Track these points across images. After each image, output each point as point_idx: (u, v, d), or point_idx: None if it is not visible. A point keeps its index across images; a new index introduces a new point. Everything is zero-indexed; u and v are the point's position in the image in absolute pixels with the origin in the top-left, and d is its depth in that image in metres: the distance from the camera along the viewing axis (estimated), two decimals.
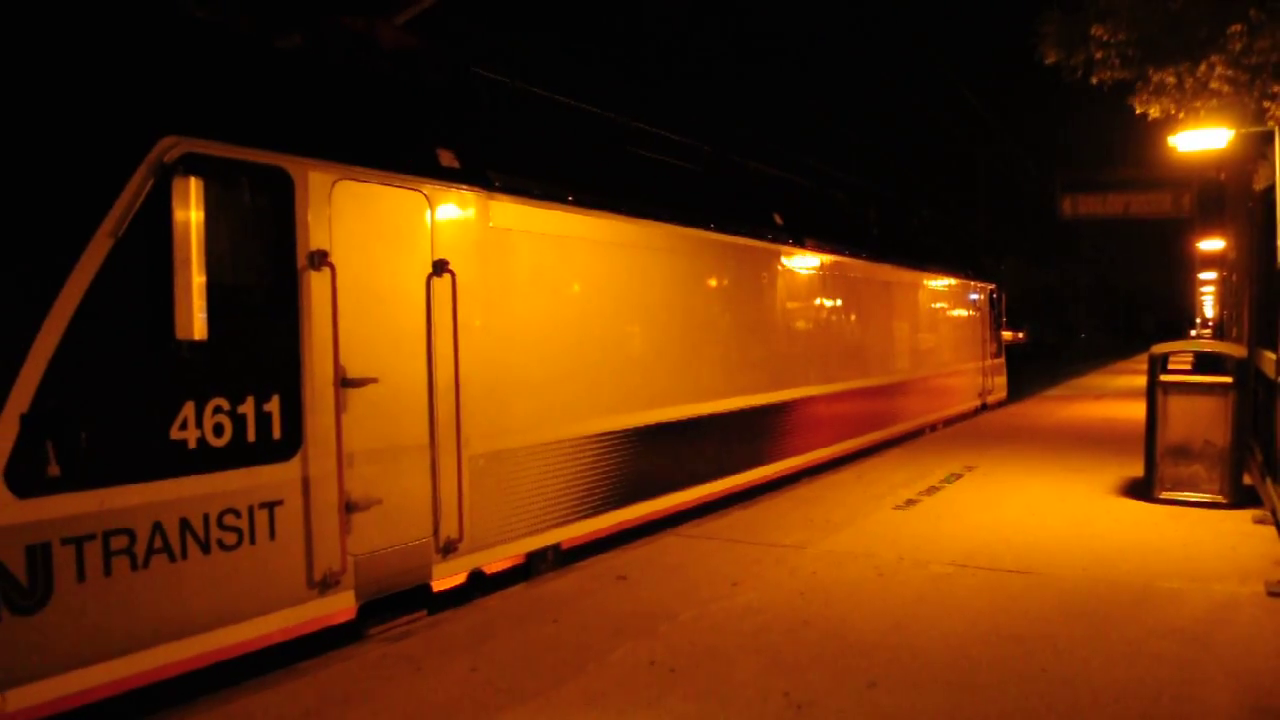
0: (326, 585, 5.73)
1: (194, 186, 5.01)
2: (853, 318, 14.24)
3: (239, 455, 5.29)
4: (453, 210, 6.77)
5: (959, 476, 11.23)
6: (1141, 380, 10.40)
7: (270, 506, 5.46)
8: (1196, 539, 7.97)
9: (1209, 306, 53.95)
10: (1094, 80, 10.82)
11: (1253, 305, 15.43)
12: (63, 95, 4.93)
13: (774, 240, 11.71)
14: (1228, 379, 9.37)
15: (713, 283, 10.41)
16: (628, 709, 4.64)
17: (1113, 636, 5.58)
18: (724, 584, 6.79)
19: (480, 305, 6.93)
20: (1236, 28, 9.40)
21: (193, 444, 5.08)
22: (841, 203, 15.92)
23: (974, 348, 20.91)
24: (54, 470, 4.49)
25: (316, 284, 5.74)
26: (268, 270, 5.57)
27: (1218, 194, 22.40)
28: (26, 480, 4.39)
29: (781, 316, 11.93)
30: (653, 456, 9.02)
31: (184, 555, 5.01)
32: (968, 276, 20.60)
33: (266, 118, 5.80)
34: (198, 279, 4.98)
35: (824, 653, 5.36)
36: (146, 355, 4.92)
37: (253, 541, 5.37)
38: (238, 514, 5.29)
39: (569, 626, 5.95)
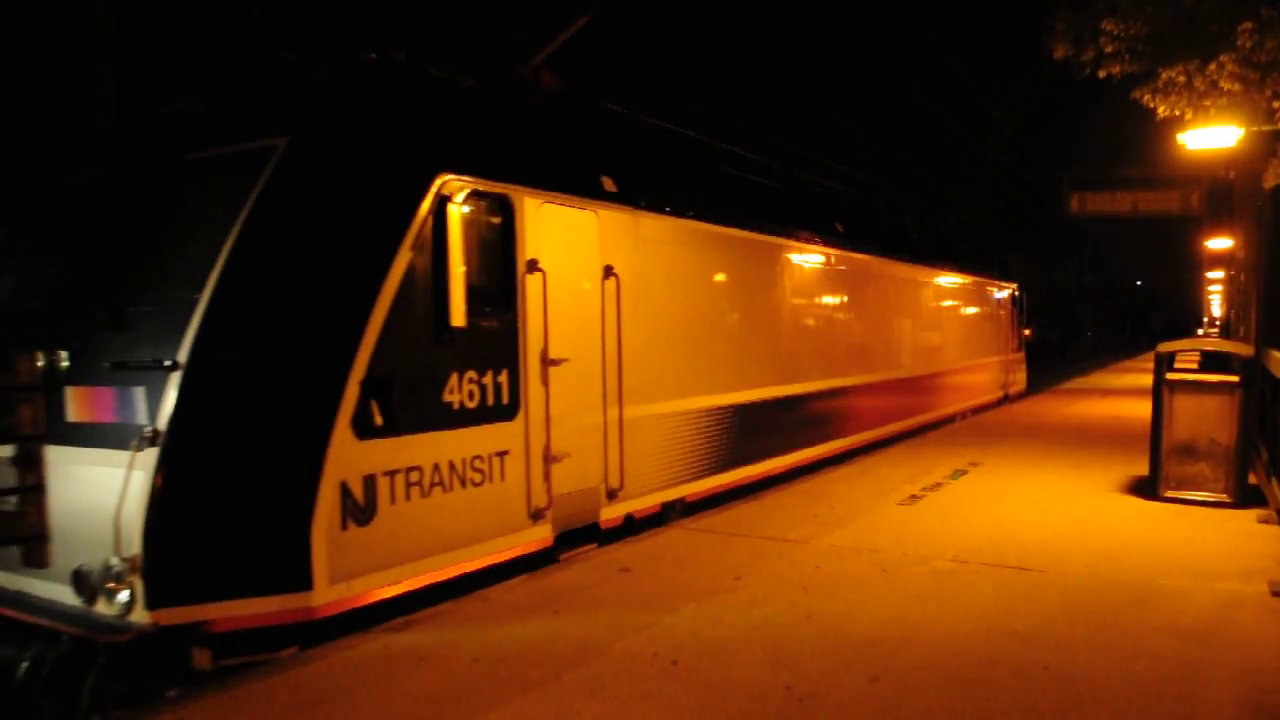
0: (537, 517, 7.36)
1: (458, 211, 6.62)
2: (903, 314, 16.18)
3: (482, 415, 6.91)
4: (614, 225, 8.44)
5: (963, 473, 11.22)
6: (1147, 379, 10.39)
7: (502, 455, 7.07)
8: (1200, 538, 7.96)
9: (1216, 306, 53.86)
10: (1102, 74, 10.81)
11: (1261, 304, 15.38)
12: (380, 149, 6.64)
13: (843, 247, 13.46)
14: (1234, 378, 9.35)
15: (799, 282, 12.17)
16: (629, 700, 4.65)
17: (1115, 634, 5.57)
18: (727, 577, 6.80)
19: (632, 301, 8.56)
20: (1247, 25, 9.37)
21: (456, 405, 6.69)
22: (883, 210, 17.29)
23: (999, 343, 22.55)
24: (379, 421, 6.07)
25: (531, 285, 7.34)
26: (499, 274, 7.15)
27: (1226, 192, 22.35)
28: (362, 428, 5.96)
29: (852, 311, 13.88)
30: (749, 429, 10.59)
31: (450, 489, 6.59)
32: (995, 277, 22.42)
33: (494, 156, 7.31)
34: (461, 280, 6.56)
35: (826, 647, 5.37)
36: (430, 339, 6.50)
37: (491, 481, 6.97)
38: (481, 459, 6.88)
39: (572, 618, 5.96)
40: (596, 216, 8.21)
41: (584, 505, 7.96)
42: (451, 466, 6.63)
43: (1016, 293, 23.99)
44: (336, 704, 4.67)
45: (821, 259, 12.78)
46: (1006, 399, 22.49)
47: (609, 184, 8.51)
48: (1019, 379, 24.28)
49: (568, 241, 7.83)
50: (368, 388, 6.00)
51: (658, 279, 9.06)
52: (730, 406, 10.22)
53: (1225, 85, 10.39)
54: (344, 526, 5.83)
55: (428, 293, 6.47)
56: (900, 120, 36.35)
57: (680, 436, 9.36)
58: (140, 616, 5.31)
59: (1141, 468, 10.03)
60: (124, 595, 5.37)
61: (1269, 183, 14.76)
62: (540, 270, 7.39)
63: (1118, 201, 22.38)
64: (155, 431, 5.49)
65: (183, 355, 5.61)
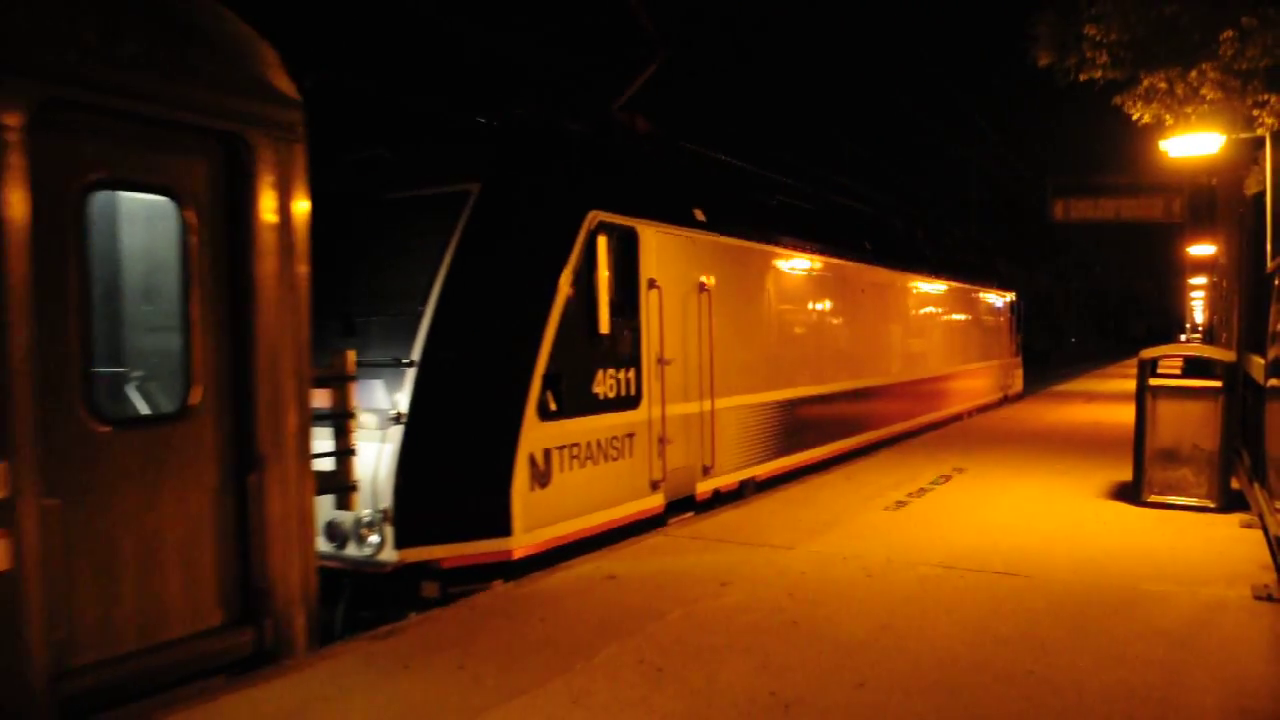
0: (654, 487, 9.20)
1: (602, 240, 8.45)
2: (924, 321, 18.50)
3: (617, 404, 8.69)
4: (703, 248, 10.27)
5: (948, 479, 11.25)
6: (1130, 384, 10.44)
7: (630, 437, 8.86)
8: (1184, 543, 7.99)
9: (1199, 312, 54.23)
10: (1083, 78, 10.85)
11: (1242, 310, 15.48)
12: (547, 193, 8.45)
13: (873, 262, 15.56)
14: (1217, 383, 9.40)
15: (842, 294, 14.24)
16: (615, 707, 4.64)
17: (1099, 639, 5.59)
18: (713, 584, 6.80)
19: (717, 310, 10.34)
20: (1228, 34, 9.42)
21: (600, 395, 8.46)
22: (898, 228, 19.67)
23: (1001, 348, 24.71)
24: (553, 407, 7.85)
25: (649, 299, 9.15)
26: (628, 291, 8.89)
27: (1209, 199, 22.47)
28: (543, 412, 7.74)
29: (880, 319, 15.94)
30: (801, 421, 12.45)
31: (597, 462, 8.39)
32: (996, 287, 24.49)
33: (624, 195, 9.08)
34: (605, 297, 8.41)
35: (812, 653, 5.37)
36: (585, 343, 8.26)
37: (623, 457, 8.76)
38: (616, 439, 8.66)
39: (557, 625, 5.95)
40: (693, 241, 10.07)
41: (686, 480, 9.83)
42: (598, 444, 8.44)
43: (1015, 301, 25.98)
44: (317, 712, 4.65)
45: (857, 274, 14.78)
46: (1006, 400, 24.22)
47: (699, 214, 10.37)
48: (1017, 381, 26.20)
49: (672, 263, 9.64)
50: (546, 381, 7.80)
51: (733, 292, 10.86)
52: (787, 401, 12.10)
53: (1206, 93, 10.44)
54: (531, 488, 7.63)
55: (581, 306, 8.23)
56: (883, 125, 36.53)
57: (752, 425, 11.24)
58: (389, 555, 7.00)
59: (1125, 473, 10.07)
60: (374, 539, 7.00)
61: (1250, 190, 14.86)
62: (656, 287, 9.27)
63: (1100, 208, 22.50)
64: (399, 414, 7.15)
65: (415, 355, 7.34)
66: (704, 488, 10.09)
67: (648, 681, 4.96)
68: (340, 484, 6.39)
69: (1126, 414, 10.51)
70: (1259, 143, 12.35)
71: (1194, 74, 10.25)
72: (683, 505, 9.67)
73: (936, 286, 19.04)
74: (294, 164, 5.79)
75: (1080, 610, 6.15)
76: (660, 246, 9.39)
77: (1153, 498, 9.45)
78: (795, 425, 12.20)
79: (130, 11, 5.02)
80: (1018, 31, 11.56)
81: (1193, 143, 12.35)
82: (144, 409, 6.03)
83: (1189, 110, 11.16)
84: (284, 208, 5.74)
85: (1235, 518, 8.86)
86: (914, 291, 17.69)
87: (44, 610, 4.51)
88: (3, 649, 4.37)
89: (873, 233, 16.82)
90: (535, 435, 7.66)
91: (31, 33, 4.55)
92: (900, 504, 9.74)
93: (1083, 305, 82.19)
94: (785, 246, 12.31)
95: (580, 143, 9.62)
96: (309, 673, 5.21)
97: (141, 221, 5.92)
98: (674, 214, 9.82)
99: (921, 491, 10.41)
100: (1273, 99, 10.29)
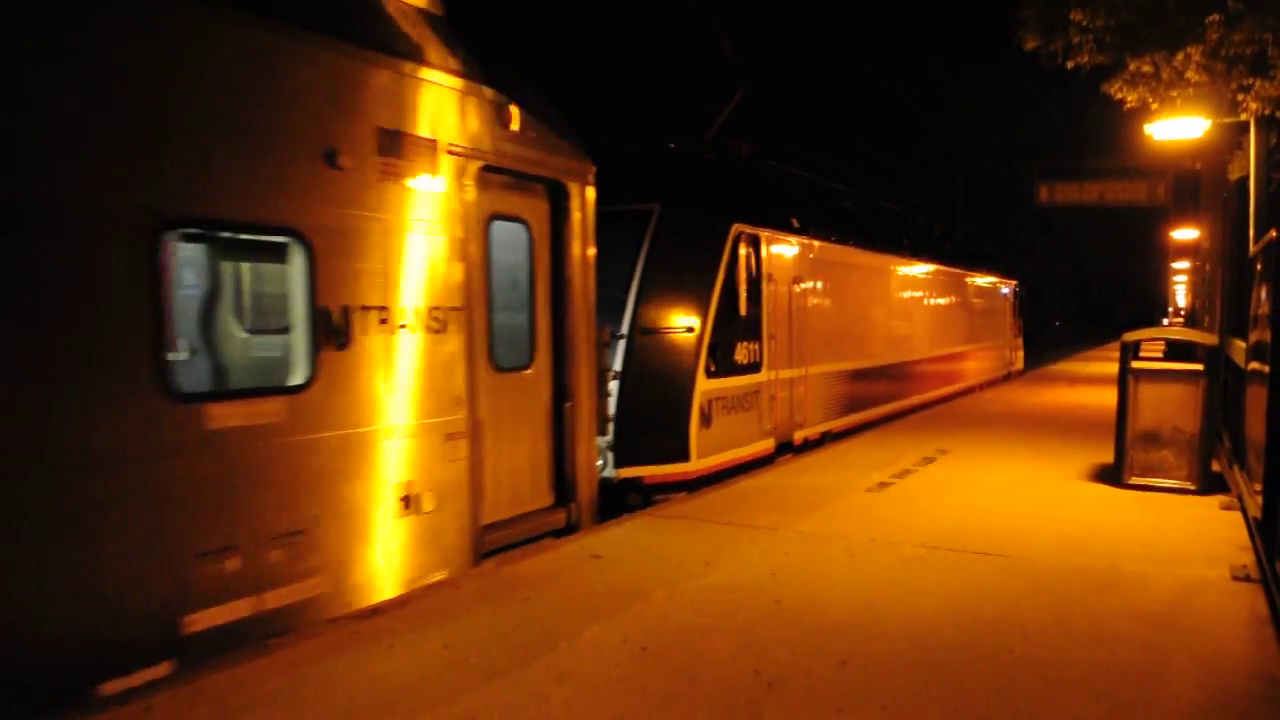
0: (767, 435, 12.15)
1: (743, 247, 11.48)
2: (954, 306, 22.44)
3: (746, 369, 11.59)
4: (798, 249, 13.32)
5: (931, 460, 11.31)
6: (1113, 368, 10.50)
7: (755, 393, 11.82)
8: (1164, 524, 8.06)
9: (1182, 296, 54.47)
10: (1070, 65, 10.86)
11: (1225, 294, 15.56)
12: (706, 209, 11.51)
13: (909, 255, 19.07)
14: (1199, 366, 9.45)
15: (891, 282, 17.84)
16: (599, 686, 4.65)
17: (1080, 619, 5.64)
18: (697, 563, 6.82)
19: (806, 297, 13.51)
20: (1214, 18, 9.43)
21: (738, 361, 11.36)
22: (923, 224, 23.68)
23: (1007, 329, 28.61)
24: (713, 368, 10.74)
25: (767, 289, 12.14)
26: (755, 283, 11.84)
27: (1193, 183, 22.56)
28: (707, 372, 10.65)
29: (920, 303, 19.77)
30: (862, 386, 15.73)
31: (735, 412, 11.30)
32: (1004, 275, 28.41)
33: (752, 209, 12.22)
34: (744, 288, 11.38)
35: (795, 632, 5.40)
36: (731, 322, 11.17)
37: (749, 410, 11.69)
38: (747, 395, 11.60)
39: (541, 605, 5.96)
40: (790, 243, 13.03)
41: (787, 429, 12.76)
42: (737, 398, 11.35)
43: (1019, 287, 29.94)
44: (301, 692, 4.66)
45: (898, 266, 18.15)
46: (1010, 375, 27.59)
47: (795, 222, 13.43)
48: (1019, 359, 29.91)
49: (778, 260, 12.59)
50: (709, 350, 10.78)
51: (816, 283, 13.97)
52: (851, 370, 15.24)
53: (1192, 76, 10.46)
54: (701, 428, 10.60)
55: (728, 295, 11.14)
56: (869, 107, 36.50)
57: (829, 389, 14.30)
58: (610, 473, 9.76)
59: (1107, 455, 10.13)
60: (600, 461, 9.16)
61: (1234, 174, 14.93)
62: (771, 280, 12.30)
63: (1085, 192, 22.56)
64: (616, 372, 9.94)
65: (624, 330, 10.25)
66: (799, 436, 13.11)
67: (632, 661, 4.98)
68: (603, 417, 8.87)
69: (1109, 397, 10.58)
70: (1243, 127, 12.38)
71: (1180, 58, 10.26)
72: (782, 450, 12.52)
73: (957, 276, 22.68)
74: (587, 198, 8.55)
75: (1061, 590, 6.20)
76: (772, 248, 12.36)
77: (1134, 480, 9.51)
78: (856, 390, 15.40)
79: (506, 108, 7.54)
80: (1005, 15, 11.56)
81: (1178, 127, 12.38)
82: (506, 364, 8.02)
83: (1174, 94, 11.18)
84: (584, 227, 8.51)
85: (1215, 500, 8.93)
86: (940, 280, 21.23)
87: (479, 487, 7.19)
88: (466, 510, 7.07)
89: (907, 230, 20.62)
90: (703, 389, 10.66)
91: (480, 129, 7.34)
92: (884, 485, 9.78)
93: (1067, 289, 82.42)
94: (848, 244, 15.49)
95: (722, 168, 13.26)
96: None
97: (504, 241, 7.95)
98: (780, 222, 12.86)
99: (905, 473, 10.46)
100: (1257, 83, 10.31)
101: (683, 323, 10.65)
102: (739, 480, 10.38)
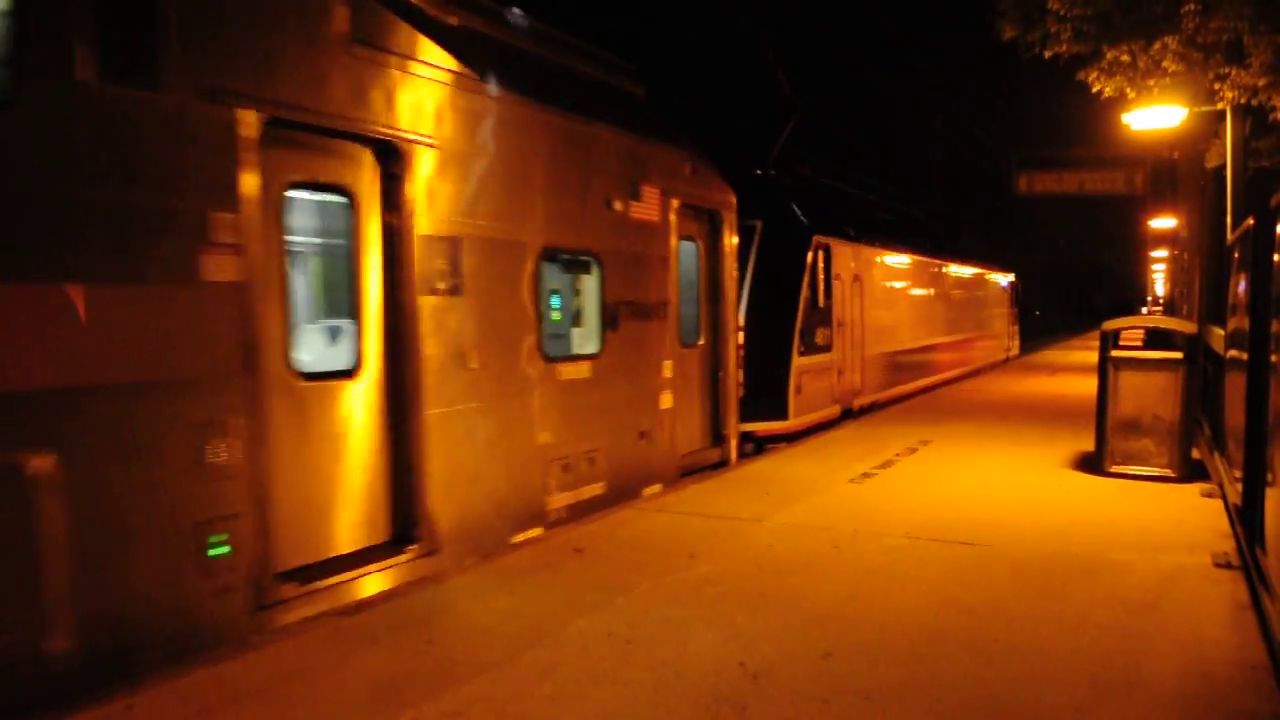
0: (835, 402, 15.18)
1: (820, 253, 14.52)
2: (965, 297, 25.98)
3: (822, 349, 14.58)
4: (853, 252, 16.21)
5: (914, 450, 11.34)
6: (1093, 356, 10.53)
7: (827, 369, 14.83)
8: (1146, 512, 8.10)
9: (1160, 284, 54.77)
10: (1048, 54, 10.89)
11: (1203, 282, 15.65)
12: (796, 223, 14.57)
13: (932, 254, 22.74)
14: (1178, 355, 9.50)
15: (923, 278, 21.80)
16: (584, 680, 4.64)
17: (1063, 607, 5.66)
18: (681, 556, 6.81)
19: (862, 292, 16.69)
20: (1190, 7, 9.46)
21: (818, 343, 14.44)
22: (932, 223, 29.69)
23: (1007, 317, 32.55)
24: (802, 348, 13.86)
25: (835, 285, 15.04)
26: (827, 281, 14.68)
27: (1170, 172, 22.68)
28: (800, 351, 13.83)
29: (942, 295, 23.47)
30: (904, 365, 19.54)
31: (817, 382, 14.35)
32: (1002, 269, 32.23)
33: (825, 221, 15.29)
34: (821, 285, 14.45)
35: (780, 624, 5.39)
36: (813, 312, 14.21)
37: (823, 381, 14.60)
38: (823, 370, 14.66)
39: (526, 599, 5.94)
40: (850, 248, 16.06)
41: (848, 399, 15.96)
42: (816, 372, 14.44)
43: (1015, 280, 33.95)
44: (286, 688, 4.63)
45: (924, 263, 21.79)
46: (1008, 360, 31.05)
47: (850, 230, 16.49)
48: (1015, 346, 33.78)
49: (841, 262, 15.54)
50: (800, 333, 13.78)
51: (867, 279, 17.11)
52: (894, 351, 18.90)
53: (1169, 65, 10.52)
54: (795, 394, 13.55)
55: (811, 290, 14.14)
56: (847, 94, 36.46)
57: (876, 366, 17.59)
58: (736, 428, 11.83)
59: (1088, 444, 10.18)
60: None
61: (1211, 163, 15.01)
62: (838, 278, 15.29)
63: (1064, 181, 22.71)
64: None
65: (741, 320, 12.12)
66: (856, 403, 16.33)
67: (616, 654, 4.97)
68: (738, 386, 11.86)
69: (1089, 385, 10.62)
70: (1220, 116, 12.45)
71: (1156, 46, 10.31)
72: (845, 415, 15.69)
73: (966, 270, 26.33)
74: (732, 221, 11.49)
75: (1043, 579, 6.22)
76: (837, 252, 15.29)
77: (1115, 468, 9.56)
78: (896, 368, 18.91)
79: (689, 161, 10.61)
80: (983, 3, 11.58)
81: (1155, 116, 12.44)
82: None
83: (1151, 83, 11.24)
84: (730, 243, 11.44)
85: (1196, 487, 8.99)
86: (954, 275, 24.86)
87: (676, 425, 10.25)
88: (671, 443, 10.15)
89: (927, 232, 25.63)
90: (797, 364, 13.72)
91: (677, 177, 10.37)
92: (867, 476, 9.80)
93: (1046, 278, 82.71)
94: (886, 247, 18.79)
95: (796, 188, 16.23)
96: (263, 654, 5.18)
97: (682, 254, 10.66)
98: (840, 231, 15.87)
99: (888, 464, 10.49)
100: (1233, 72, 10.38)
101: (782, 313, 13.64)
102: (721, 472, 10.40)
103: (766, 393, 13.11)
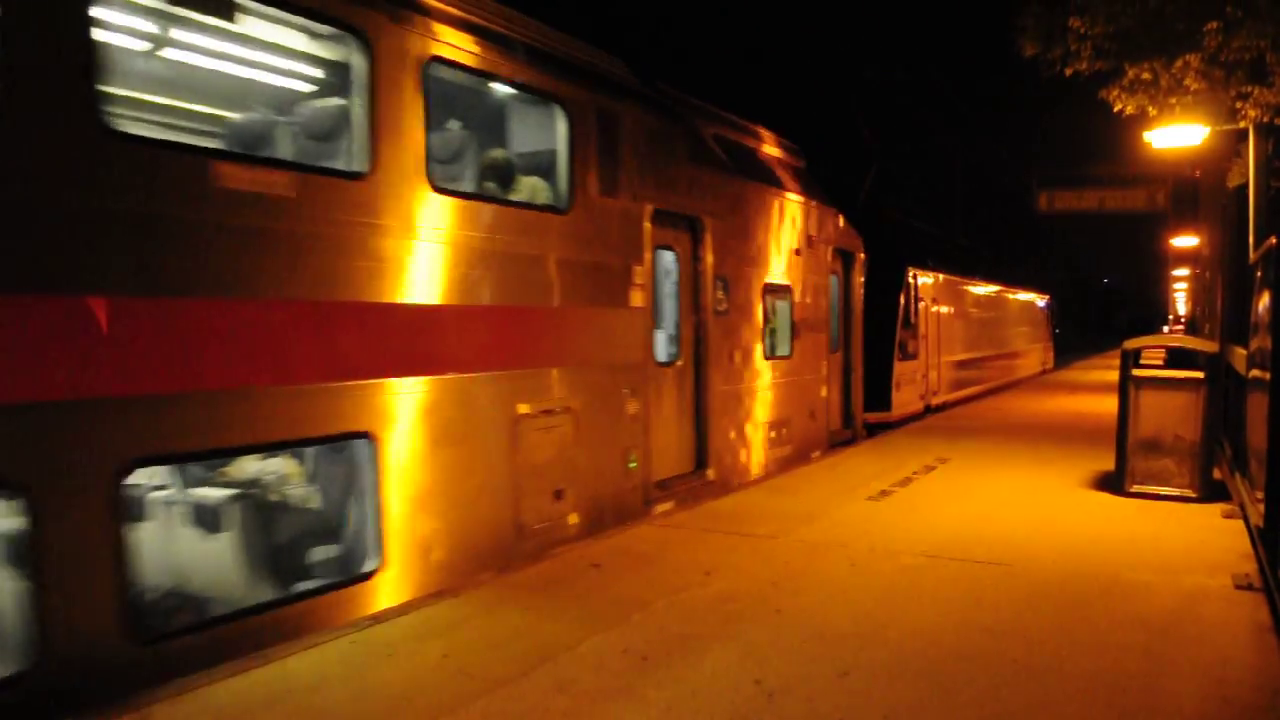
0: (920, 400, 19.76)
1: (910, 279, 19.16)
2: (1012, 315, 30.95)
3: (913, 356, 19.37)
4: (930, 279, 20.71)
5: (931, 469, 11.29)
6: (1113, 375, 10.48)
7: (916, 371, 19.54)
8: (1166, 532, 8.04)
9: (1182, 303, 54.42)
10: (1068, 72, 10.87)
11: (1225, 301, 15.55)
12: (893, 255, 18.81)
13: (981, 279, 26.62)
14: (1199, 374, 9.43)
15: (976, 299, 25.86)
16: (599, 697, 4.63)
17: (1082, 628, 5.62)
18: (697, 573, 6.80)
19: (937, 311, 21.10)
20: (1213, 25, 9.43)
21: (909, 351, 19.07)
22: (973, 247, 32.75)
23: (1045, 334, 38.01)
24: (898, 356, 18.41)
25: (917, 306, 19.50)
26: (916, 302, 19.43)
27: (1192, 191, 22.56)
28: (897, 357, 18.39)
29: (994, 314, 27.89)
30: (968, 371, 23.91)
31: (907, 384, 18.94)
32: (1039, 291, 37.38)
33: (912, 253, 19.83)
34: (913, 305, 19.13)
35: (796, 641, 5.38)
36: (906, 326, 18.80)
37: (913, 384, 19.43)
38: (913, 372, 19.34)
39: (541, 614, 5.94)
40: (929, 275, 20.02)
41: (930, 396, 19.93)
42: (909, 374, 18.44)
43: (1051, 299, 39.57)
44: (305, 699, 4.64)
45: (983, 288, 26.34)
46: (1044, 372, 35.42)
47: (929, 261, 20.58)
48: (1050, 359, 38.58)
49: (923, 287, 19.36)
50: (898, 344, 18.03)
51: (939, 301, 21.18)
52: (960, 360, 23.08)
53: (1190, 83, 10.47)
54: (895, 391, 17.74)
55: (904, 309, 18.16)
56: (868, 112, 36.46)
57: (948, 372, 21.68)
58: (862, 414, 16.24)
59: (1108, 463, 10.12)
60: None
61: (1233, 181, 14.91)
62: (921, 300, 19.34)
63: (1084, 199, 22.68)
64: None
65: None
66: (935, 401, 20.32)
67: (633, 670, 4.96)
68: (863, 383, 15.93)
69: (1109, 405, 10.56)
70: (1242, 135, 12.38)
71: (1178, 65, 10.26)
72: (927, 410, 19.46)
73: (1013, 293, 31.30)
74: (862, 261, 15.65)
75: (1062, 599, 6.18)
76: (920, 279, 19.32)
77: (1135, 488, 9.49)
78: (962, 374, 23.23)
79: (839, 216, 14.89)
80: (1005, 22, 11.57)
81: (1176, 134, 12.38)
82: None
83: (1173, 101, 11.18)
84: (860, 276, 15.61)
85: (1217, 508, 8.91)
86: (1005, 297, 29.74)
87: (830, 409, 14.56)
88: (825, 421, 14.26)
89: (978, 257, 29.96)
90: (895, 368, 17.69)
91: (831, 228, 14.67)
92: (884, 493, 9.76)
93: (1066, 296, 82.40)
94: (953, 274, 22.76)
95: (887, 225, 19.38)
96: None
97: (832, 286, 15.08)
98: (922, 261, 19.87)
99: (906, 481, 10.44)
100: (1256, 90, 10.32)
101: (887, 328, 17.58)
102: (738, 490, 10.36)
103: (875, 389, 16.66)
